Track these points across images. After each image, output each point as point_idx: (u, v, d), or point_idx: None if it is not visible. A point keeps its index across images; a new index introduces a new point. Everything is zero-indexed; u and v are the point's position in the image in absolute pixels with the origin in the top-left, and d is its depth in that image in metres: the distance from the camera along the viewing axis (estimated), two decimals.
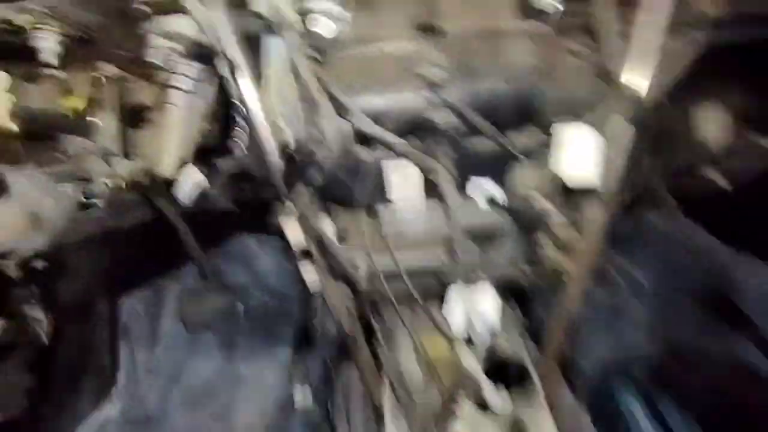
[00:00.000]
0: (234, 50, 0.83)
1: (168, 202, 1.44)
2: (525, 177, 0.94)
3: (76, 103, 0.80)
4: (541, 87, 0.97)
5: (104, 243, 1.63)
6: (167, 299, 1.74)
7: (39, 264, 1.60)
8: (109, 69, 0.93)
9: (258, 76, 0.83)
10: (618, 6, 0.91)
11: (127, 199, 1.50)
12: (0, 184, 1.05)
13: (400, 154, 0.97)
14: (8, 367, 1.39)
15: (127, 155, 1.06)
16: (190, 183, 0.79)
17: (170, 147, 1.15)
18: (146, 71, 1.04)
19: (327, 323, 1.13)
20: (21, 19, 0.66)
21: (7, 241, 1.25)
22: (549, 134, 0.95)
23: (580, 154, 0.74)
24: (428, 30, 1.00)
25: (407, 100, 0.97)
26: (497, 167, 1.01)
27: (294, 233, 0.85)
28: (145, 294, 1.74)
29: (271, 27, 0.72)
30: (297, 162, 0.86)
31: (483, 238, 0.94)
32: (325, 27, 0.97)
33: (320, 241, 0.99)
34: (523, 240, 0.88)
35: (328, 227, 1.14)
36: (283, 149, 0.84)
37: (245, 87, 0.85)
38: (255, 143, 0.91)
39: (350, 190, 1.01)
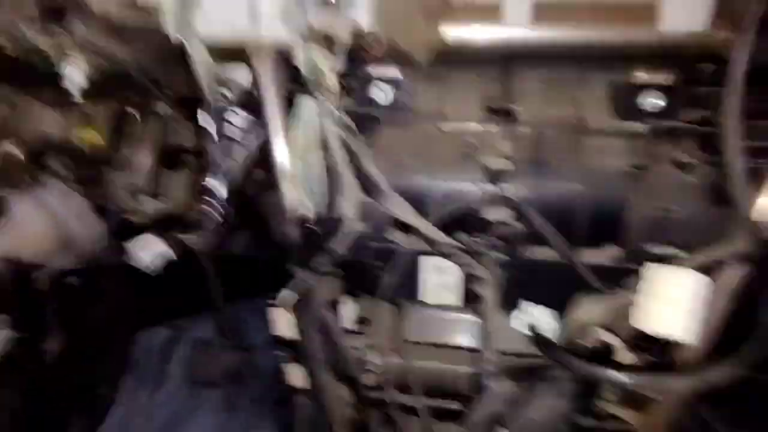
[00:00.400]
0: (273, 106, 0.75)
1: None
2: (593, 308, 0.73)
3: (93, 135, 0.75)
4: (630, 198, 0.78)
5: (133, 273, 1.59)
6: (181, 342, 1.65)
7: (70, 281, 1.59)
8: (150, 106, 0.89)
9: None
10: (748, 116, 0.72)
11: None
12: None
13: (440, 252, 0.80)
14: (3, 384, 1.34)
15: (156, 195, 0.99)
16: (151, 253, 0.69)
17: None
18: (191, 113, 1.00)
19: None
20: (50, 46, 0.62)
21: (36, 255, 1.24)
22: (632, 259, 0.75)
23: (676, 307, 0.53)
24: (499, 113, 0.86)
25: (461, 189, 0.82)
26: (559, 288, 0.81)
27: (282, 322, 0.71)
28: (161, 332, 1.67)
29: (307, 86, 0.62)
30: (314, 234, 0.73)
31: (524, 372, 0.72)
32: (380, 93, 0.87)
33: (326, 329, 0.83)
34: (577, 384, 0.66)
35: (345, 314, 0.99)
36: (300, 219, 0.72)
37: (277, 146, 0.75)
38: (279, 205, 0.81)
39: (375, 277, 0.86)
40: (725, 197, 0.68)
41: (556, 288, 0.81)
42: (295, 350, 0.73)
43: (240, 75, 0.93)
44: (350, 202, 0.66)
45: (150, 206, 1.04)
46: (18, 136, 0.65)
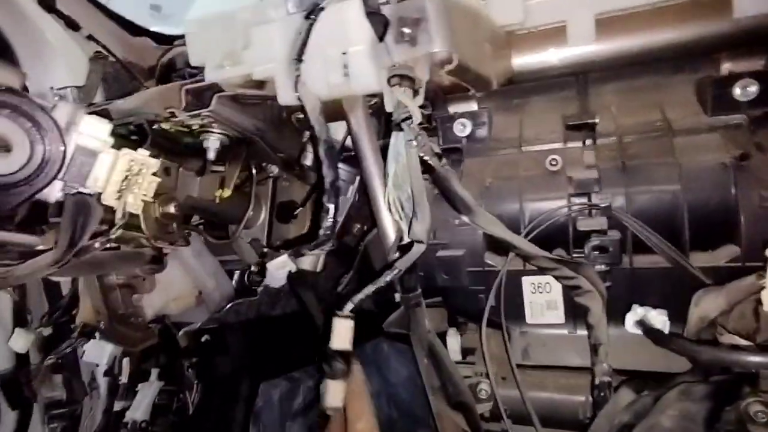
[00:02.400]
0: (367, 150, 0.85)
1: (312, 295, 1.50)
2: (713, 301, 0.68)
3: (225, 192, 0.90)
4: (738, 192, 0.74)
5: (256, 327, 1.75)
6: (300, 393, 1.74)
7: (203, 337, 1.79)
8: (266, 168, 1.05)
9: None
10: None
11: (281, 290, 1.63)
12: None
13: (540, 267, 0.81)
14: (155, 429, 1.51)
15: (271, 246, 1.13)
16: (283, 272, 0.78)
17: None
18: (300, 172, 1.15)
19: None
20: (193, 123, 0.79)
21: (179, 312, 1.44)
22: (751, 257, 0.70)
23: None
24: (580, 128, 0.88)
25: (550, 205, 0.84)
26: (672, 294, 0.77)
27: (344, 334, 0.75)
28: (281, 383, 1.78)
29: (396, 123, 0.71)
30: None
31: (644, 385, 0.68)
32: (460, 128, 0.95)
33: (436, 358, 0.85)
34: (708, 396, 0.60)
35: (452, 342, 1.00)
36: (401, 244, 0.78)
37: (373, 183, 0.84)
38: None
39: (476, 302, 0.88)
40: None
41: (668, 293, 0.76)
42: (347, 364, 0.76)
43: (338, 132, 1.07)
44: (423, 227, 0.71)
45: (271, 260, 1.18)
46: (173, 198, 0.82)
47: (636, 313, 0.59)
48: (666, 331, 0.68)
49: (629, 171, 0.81)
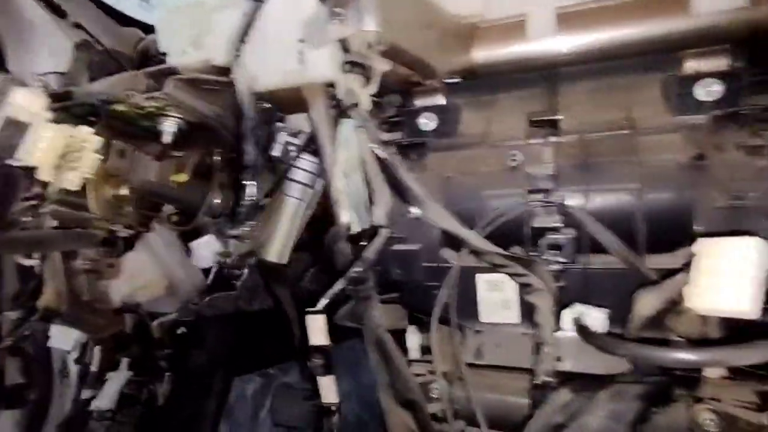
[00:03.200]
0: (325, 139, 0.84)
1: (286, 291, 1.49)
2: (647, 305, 0.66)
3: (182, 178, 0.90)
4: (693, 192, 0.72)
5: (233, 322, 1.75)
6: (272, 389, 1.73)
7: (179, 330, 1.79)
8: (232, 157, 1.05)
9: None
10: None
11: (259, 285, 1.62)
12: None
13: (491, 264, 0.79)
14: (122, 420, 1.50)
15: (235, 236, 1.12)
16: (209, 250, 0.76)
17: (280, 234, 1.20)
18: (268, 163, 1.14)
19: None
20: (148, 105, 0.78)
21: (147, 301, 1.43)
22: None
23: (737, 278, 0.47)
24: (543, 125, 0.87)
25: (508, 201, 0.82)
26: (624, 296, 0.74)
27: (318, 330, 0.73)
28: (255, 379, 1.77)
29: (345, 111, 0.70)
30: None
31: (585, 387, 0.65)
32: (425, 122, 0.93)
33: (385, 354, 0.84)
34: (638, 398, 0.57)
35: (411, 340, 0.99)
36: (351, 235, 0.77)
37: (330, 172, 0.83)
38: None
39: (431, 298, 0.86)
40: None
41: (621, 295, 0.74)
42: (328, 360, 0.75)
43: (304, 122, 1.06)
44: (382, 210, 0.70)
45: (237, 250, 1.17)
46: (127, 181, 0.81)
47: (573, 311, 0.57)
48: (604, 330, 0.66)
49: (588, 169, 0.80)
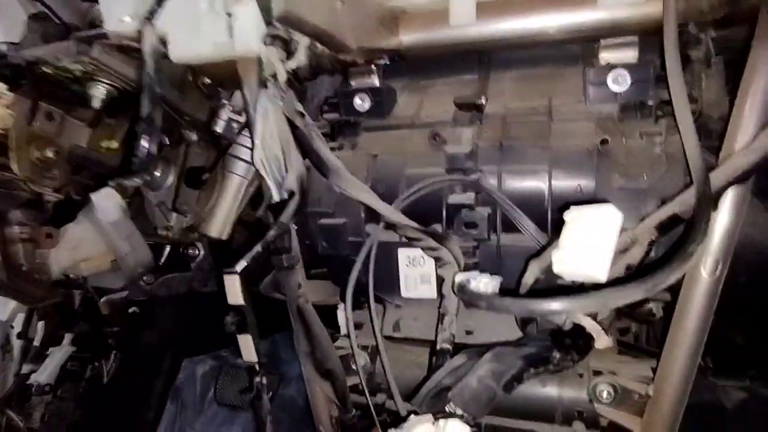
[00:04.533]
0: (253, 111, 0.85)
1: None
2: (530, 273, 0.69)
3: (113, 145, 0.90)
4: (597, 176, 0.76)
5: (186, 303, 1.74)
6: (224, 372, 1.73)
7: (131, 309, 1.78)
8: (183, 132, 1.06)
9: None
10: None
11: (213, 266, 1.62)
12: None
13: (406, 237, 0.82)
14: (63, 396, 1.49)
15: (176, 210, 1.13)
16: (111, 203, 0.77)
17: (222, 210, 1.21)
18: (211, 137, 1.15)
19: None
20: (75, 68, 0.79)
21: (90, 274, 1.42)
22: None
23: (591, 246, 0.50)
24: (469, 109, 0.90)
25: (429, 180, 0.85)
26: None
27: (235, 290, 0.75)
28: (205, 360, 1.77)
29: (264, 83, 0.72)
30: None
31: (478, 353, 0.68)
32: (358, 101, 0.96)
33: (306, 323, 0.86)
34: (517, 358, 0.60)
35: (340, 316, 1.01)
36: (268, 206, 0.79)
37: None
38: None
39: (342, 270, 0.88)
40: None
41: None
42: (243, 319, 0.76)
43: None
44: (294, 177, 0.72)
45: (175, 221, 1.18)
46: (53, 143, 0.81)
47: (460, 276, 0.60)
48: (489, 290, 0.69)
49: (504, 150, 0.83)
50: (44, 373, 1.45)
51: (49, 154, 0.81)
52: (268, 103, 0.72)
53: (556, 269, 0.51)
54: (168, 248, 1.55)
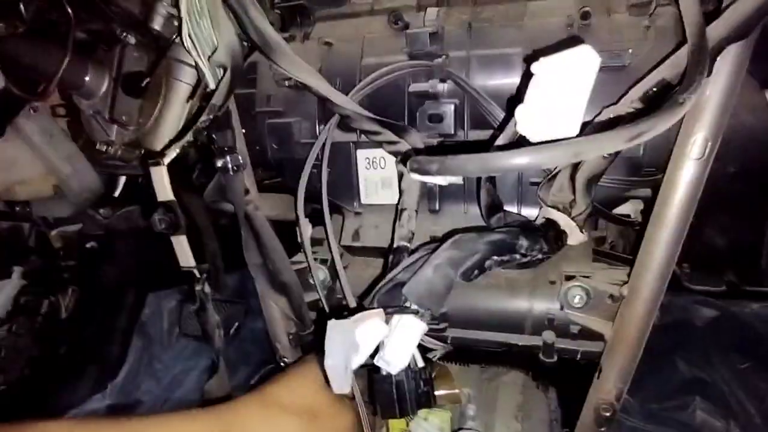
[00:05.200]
0: None
1: (198, 201, 1.40)
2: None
3: (19, 27, 0.77)
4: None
5: (147, 237, 1.65)
6: (185, 305, 1.67)
7: (89, 244, 1.68)
8: (121, 34, 0.92)
9: None
10: None
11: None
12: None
13: (364, 132, 0.73)
14: (19, 331, 1.42)
15: (114, 120, 1.01)
16: None
17: (169, 122, 1.10)
18: (150, 39, 1.02)
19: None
20: None
21: (29, 198, 1.31)
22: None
23: (562, 95, 0.41)
24: None
25: (391, 66, 0.75)
26: None
27: (162, 183, 0.66)
28: (171, 295, 1.71)
29: None
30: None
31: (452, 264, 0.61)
32: None
33: (255, 232, 0.78)
34: (477, 245, 0.53)
35: (304, 229, 0.93)
36: (203, 94, 0.68)
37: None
38: None
39: (310, 177, 0.79)
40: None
41: None
42: (175, 217, 0.68)
43: None
44: (224, 49, 0.62)
45: (120, 137, 1.06)
46: None
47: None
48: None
49: (474, 33, 0.73)
50: None
51: None
52: None
53: (520, 128, 0.43)
54: (123, 179, 1.45)
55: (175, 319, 1.70)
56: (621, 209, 0.84)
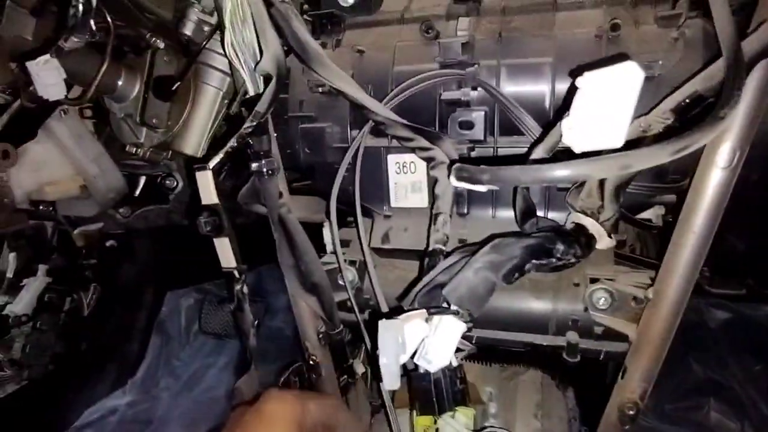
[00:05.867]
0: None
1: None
2: (537, 154, 0.64)
3: None
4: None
5: (166, 236, 1.68)
6: (206, 304, 1.70)
7: (109, 243, 1.71)
8: (151, 39, 0.95)
9: None
10: None
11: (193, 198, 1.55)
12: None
13: (397, 138, 0.75)
14: (43, 328, 1.45)
15: (144, 123, 1.04)
16: (51, 74, 0.69)
17: (196, 125, 1.12)
18: (181, 43, 1.04)
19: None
20: None
21: (57, 199, 1.34)
22: None
23: (605, 110, 0.44)
24: (465, 0, 0.81)
25: (424, 74, 0.77)
26: None
27: (208, 187, 0.68)
28: (189, 293, 1.74)
29: None
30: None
31: (473, 250, 0.63)
32: None
33: (289, 234, 0.80)
34: (517, 249, 0.56)
35: (326, 234, 0.95)
36: (243, 101, 0.71)
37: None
38: None
39: (326, 180, 0.81)
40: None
41: None
42: (219, 219, 0.70)
43: None
44: (270, 58, 0.64)
45: (149, 140, 1.09)
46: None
47: (457, 164, 0.54)
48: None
49: (504, 42, 0.75)
50: (20, 304, 1.40)
51: None
52: None
53: (565, 139, 0.45)
54: (143, 179, 1.47)
55: (192, 317, 1.74)
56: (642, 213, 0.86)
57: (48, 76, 0.68)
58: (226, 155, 0.68)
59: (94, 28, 0.70)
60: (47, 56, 0.67)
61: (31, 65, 0.67)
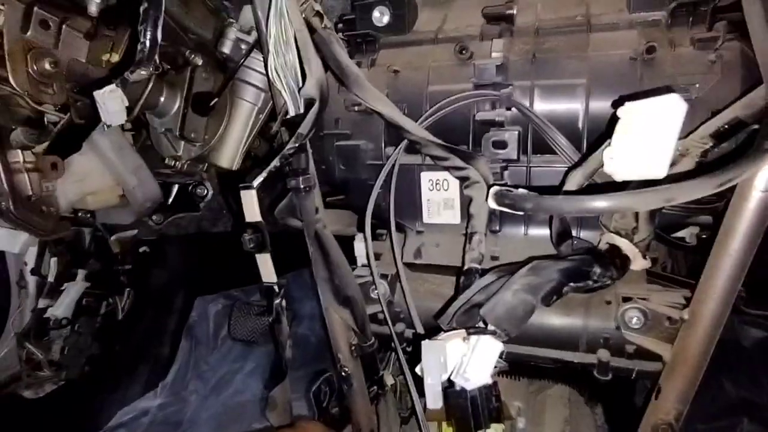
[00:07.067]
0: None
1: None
2: (572, 182, 0.64)
3: (113, 57, 0.84)
4: (642, 85, 0.70)
5: (196, 243, 1.73)
6: (236, 310, 1.74)
7: (142, 249, 1.77)
8: (189, 56, 0.99)
9: None
10: None
11: (223, 207, 1.60)
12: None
13: (431, 156, 0.77)
14: (81, 331, 1.51)
15: (183, 137, 1.08)
16: (116, 103, 0.72)
17: (232, 139, 1.16)
18: (218, 60, 1.08)
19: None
20: None
21: (98, 208, 1.39)
22: None
23: (647, 140, 0.44)
24: (497, 19, 0.82)
25: (459, 95, 0.78)
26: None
27: (252, 206, 0.71)
28: (217, 299, 1.78)
29: None
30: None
31: (509, 270, 0.64)
32: (377, 14, 0.88)
33: (324, 248, 0.83)
34: (554, 272, 0.57)
35: (359, 248, 0.98)
36: (284, 121, 0.73)
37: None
38: None
39: (360, 195, 0.84)
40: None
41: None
42: (262, 236, 0.73)
43: None
44: (313, 83, 0.67)
45: (187, 153, 1.13)
46: (50, 54, 0.76)
47: (496, 187, 0.55)
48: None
49: (538, 63, 0.76)
50: (61, 308, 1.46)
51: (47, 66, 0.76)
52: (283, 4, 0.65)
53: (607, 168, 0.46)
54: (176, 187, 1.52)
55: (220, 323, 1.77)
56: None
57: (113, 105, 0.72)
58: (269, 174, 0.70)
59: (158, 61, 0.73)
60: (113, 86, 0.71)
61: (97, 94, 0.71)
